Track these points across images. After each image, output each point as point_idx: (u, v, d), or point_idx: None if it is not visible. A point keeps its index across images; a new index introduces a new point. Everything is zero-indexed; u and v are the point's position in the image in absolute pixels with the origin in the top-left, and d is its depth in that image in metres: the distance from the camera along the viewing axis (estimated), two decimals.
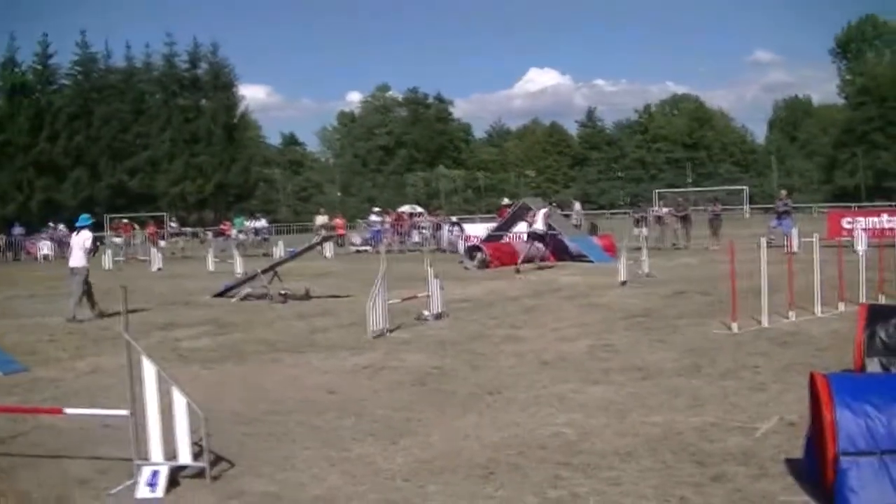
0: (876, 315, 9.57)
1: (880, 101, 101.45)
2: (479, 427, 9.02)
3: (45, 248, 53.62)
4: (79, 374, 13.12)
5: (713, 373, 11.26)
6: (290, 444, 8.64)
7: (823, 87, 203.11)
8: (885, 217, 35.57)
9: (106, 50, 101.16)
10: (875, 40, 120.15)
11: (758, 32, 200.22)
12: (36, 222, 65.86)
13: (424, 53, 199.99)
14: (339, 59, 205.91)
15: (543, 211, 31.48)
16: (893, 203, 65.23)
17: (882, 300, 16.62)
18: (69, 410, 8.85)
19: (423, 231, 47.01)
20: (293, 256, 25.05)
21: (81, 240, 20.67)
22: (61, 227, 58.09)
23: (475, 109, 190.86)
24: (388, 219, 51.06)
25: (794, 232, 31.40)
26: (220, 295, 23.16)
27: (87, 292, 20.36)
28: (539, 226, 30.24)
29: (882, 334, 9.30)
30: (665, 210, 43.58)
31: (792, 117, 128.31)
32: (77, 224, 21.61)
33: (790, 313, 15.41)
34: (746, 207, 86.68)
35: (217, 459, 7.88)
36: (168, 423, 7.42)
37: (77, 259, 20.46)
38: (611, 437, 8.42)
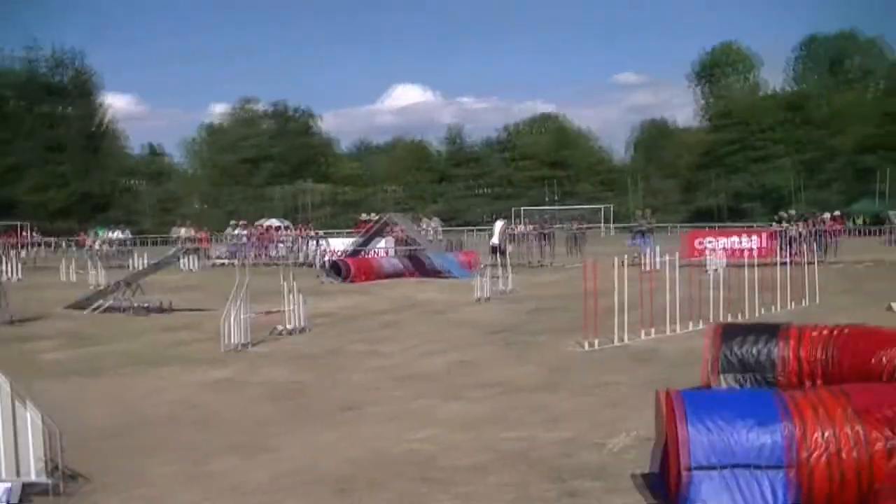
0: (728, 333, 9.79)
1: (739, 126, 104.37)
2: (337, 442, 9.02)
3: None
4: None
5: (572, 389, 11.41)
6: (148, 459, 8.53)
7: (684, 110, 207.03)
8: (744, 237, 36.45)
9: None
10: (736, 65, 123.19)
11: (622, 54, 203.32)
12: None
13: (291, 66, 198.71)
14: (206, 69, 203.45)
15: (500, 224, 32.15)
16: (753, 224, 66.75)
17: (736, 318, 17.03)
18: None
19: (286, 244, 46.77)
20: (154, 268, 24.74)
21: None
22: None
23: (342, 124, 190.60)
24: (250, 232, 50.68)
25: (656, 250, 31.95)
26: (77, 307, 22.73)
27: None
28: (495, 240, 30.87)
29: (734, 351, 9.52)
30: (528, 227, 44.00)
31: (653, 139, 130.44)
32: None
33: (649, 330, 15.68)
34: (608, 226, 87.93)
35: (73, 475, 7.72)
36: (23, 438, 7.26)
37: None
38: (469, 452, 8.47)
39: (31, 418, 7.22)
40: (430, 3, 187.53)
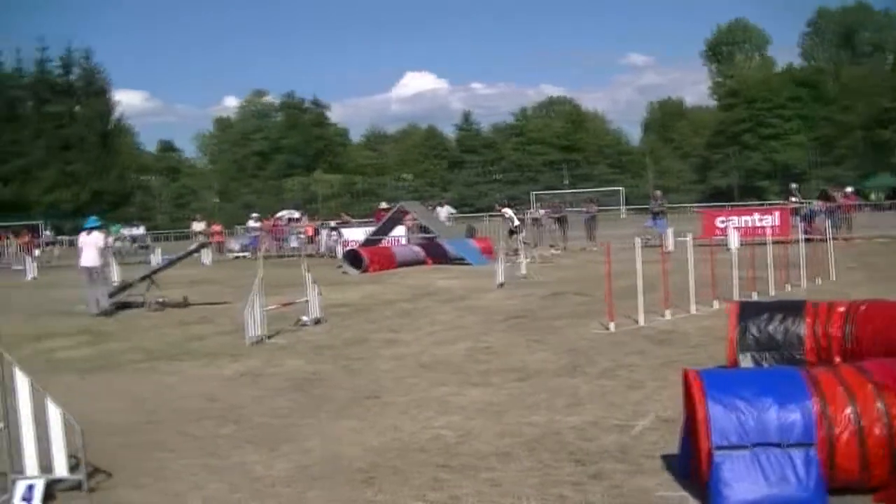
0: (748, 312, 9.75)
1: (749, 103, 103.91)
2: (358, 432, 9.00)
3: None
4: None
5: (591, 372, 11.38)
6: (169, 454, 8.53)
7: (696, 88, 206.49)
8: (756, 216, 36.24)
9: None
10: (744, 44, 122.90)
11: (631, 35, 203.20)
12: None
13: (301, 58, 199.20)
14: (216, 63, 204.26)
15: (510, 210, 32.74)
16: (764, 202, 66.46)
17: (754, 297, 16.96)
18: None
19: (301, 236, 46.77)
20: (170, 264, 24.74)
21: (92, 240, 22.43)
22: None
23: (352, 114, 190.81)
24: (265, 224, 50.72)
25: (669, 231, 31.90)
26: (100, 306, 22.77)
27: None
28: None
29: (753, 330, 9.49)
30: (542, 212, 43.88)
31: (665, 119, 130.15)
32: (87, 226, 23.28)
33: (666, 312, 15.63)
34: (623, 208, 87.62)
35: (94, 471, 7.74)
36: (43, 435, 7.27)
37: (91, 258, 22.07)
38: (490, 439, 8.45)
39: (53, 415, 7.22)
40: None
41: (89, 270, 22.26)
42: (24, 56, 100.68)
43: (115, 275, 30.36)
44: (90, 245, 22.50)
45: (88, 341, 16.88)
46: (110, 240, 24.47)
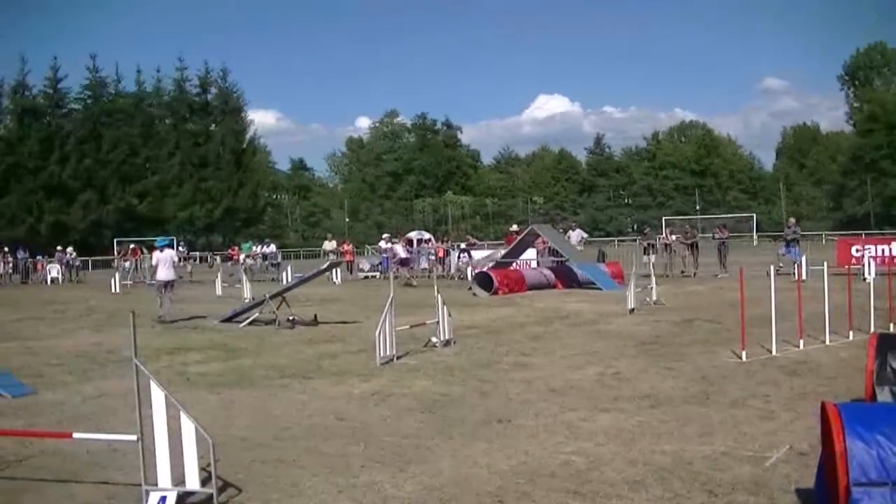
0: (887, 344, 9.53)
1: (888, 129, 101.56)
2: (487, 454, 8.99)
3: (53, 270, 53.73)
4: (85, 398, 13.09)
5: (722, 401, 11.22)
6: (298, 471, 8.61)
7: (831, 114, 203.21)
8: (894, 245, 35.43)
9: (116, 74, 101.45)
10: (883, 68, 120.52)
11: (766, 59, 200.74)
12: (45, 245, 65.87)
13: (434, 79, 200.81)
14: (349, 84, 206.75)
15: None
16: None
17: (893, 329, 16.60)
18: (77, 435, 8.79)
19: (431, 257, 46.99)
20: (301, 282, 25.02)
21: (167, 256, 25.20)
22: (69, 250, 58.39)
23: (484, 135, 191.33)
24: (398, 244, 51.09)
25: (803, 259, 31.40)
26: (228, 320, 23.13)
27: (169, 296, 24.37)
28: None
29: (893, 363, 9.26)
30: (673, 237, 43.46)
31: (800, 144, 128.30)
32: (159, 244, 25.80)
33: (799, 342, 15.36)
34: (755, 235, 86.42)
35: (225, 485, 7.87)
36: (176, 448, 7.39)
37: (167, 273, 24.90)
38: (620, 466, 8.38)
39: (186, 429, 7.34)
40: (571, 16, 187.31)
41: (164, 284, 24.81)
42: (162, 76, 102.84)
43: (247, 292, 30.86)
44: (165, 261, 25.07)
45: (220, 357, 17.13)
46: (172, 254, 25.74)
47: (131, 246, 58.62)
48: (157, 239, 27.81)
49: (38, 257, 58.62)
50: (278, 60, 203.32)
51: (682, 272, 38.17)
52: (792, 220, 41.24)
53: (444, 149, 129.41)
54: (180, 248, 67.85)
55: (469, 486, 7.95)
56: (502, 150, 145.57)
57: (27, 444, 9.72)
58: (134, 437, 7.51)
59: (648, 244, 42.08)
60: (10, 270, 56.02)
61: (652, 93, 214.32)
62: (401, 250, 41.45)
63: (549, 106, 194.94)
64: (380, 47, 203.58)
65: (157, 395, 7.42)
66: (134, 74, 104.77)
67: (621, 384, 12.76)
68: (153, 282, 28.22)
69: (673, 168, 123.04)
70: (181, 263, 56.02)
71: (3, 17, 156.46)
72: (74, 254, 59.77)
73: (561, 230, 44.75)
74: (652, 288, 25.12)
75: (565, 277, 32.56)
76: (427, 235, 62.69)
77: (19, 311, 30.27)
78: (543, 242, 36.69)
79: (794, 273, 24.86)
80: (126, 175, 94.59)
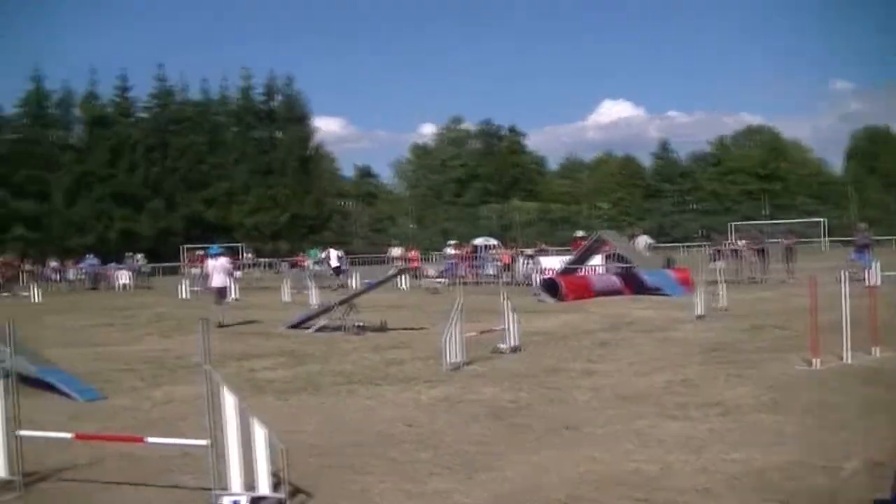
0: None
1: None
2: (556, 462, 8.96)
3: (122, 277, 54.33)
4: (155, 403, 13.24)
5: (794, 410, 11.08)
6: (367, 477, 8.63)
7: None
8: None
9: (182, 83, 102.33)
10: None
11: (835, 61, 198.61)
12: (114, 252, 66.60)
13: (498, 85, 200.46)
14: (413, 91, 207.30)
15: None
16: None
17: None
18: (151, 439, 8.89)
19: (497, 263, 46.96)
20: (369, 288, 25.10)
21: (221, 264, 26.33)
22: (139, 256, 59.08)
23: (548, 141, 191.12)
24: (460, 251, 51.13)
25: (875, 265, 31.01)
26: (296, 326, 23.24)
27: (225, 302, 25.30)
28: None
29: None
30: (741, 243, 43.09)
31: (870, 147, 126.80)
32: (213, 252, 27.25)
33: (873, 349, 15.15)
34: (824, 241, 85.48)
35: (295, 491, 7.91)
36: (246, 453, 7.45)
37: (220, 280, 26.07)
38: (690, 474, 8.32)
39: (258, 434, 7.37)
40: (635, 20, 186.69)
41: (218, 290, 26.13)
42: (229, 84, 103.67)
43: (314, 298, 31.00)
44: (218, 269, 26.25)
45: (288, 363, 17.22)
46: (225, 261, 26.24)
47: (198, 253, 59.10)
48: (210, 247, 28.48)
49: (108, 264, 59.22)
50: (343, 68, 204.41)
51: (750, 278, 37.84)
52: (862, 224, 40.82)
53: (509, 155, 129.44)
54: (247, 255, 68.35)
55: (538, 493, 7.93)
56: (567, 155, 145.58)
57: (100, 447, 9.82)
58: (205, 442, 7.57)
59: (716, 250, 41.82)
60: (82, 277, 56.83)
61: (717, 97, 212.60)
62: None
63: (614, 111, 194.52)
64: (444, 53, 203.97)
65: (229, 401, 7.48)
66: (200, 83, 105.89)
67: (689, 391, 12.67)
68: (207, 289, 28.93)
69: (739, 173, 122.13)
70: (249, 270, 56.57)
71: (74, 27, 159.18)
72: (145, 260, 60.53)
73: (627, 236, 44.54)
74: (720, 294, 24.93)
75: (632, 283, 32.39)
76: (493, 241, 62.57)
77: (90, 318, 30.63)
78: (611, 248, 36.52)
79: (865, 279, 24.61)
80: (193, 182, 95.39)
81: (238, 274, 50.34)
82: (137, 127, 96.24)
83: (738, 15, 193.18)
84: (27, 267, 59.77)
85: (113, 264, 59.12)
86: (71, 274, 58.97)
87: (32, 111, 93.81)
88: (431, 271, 49.18)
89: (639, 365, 15.40)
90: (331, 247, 53.04)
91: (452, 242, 55.95)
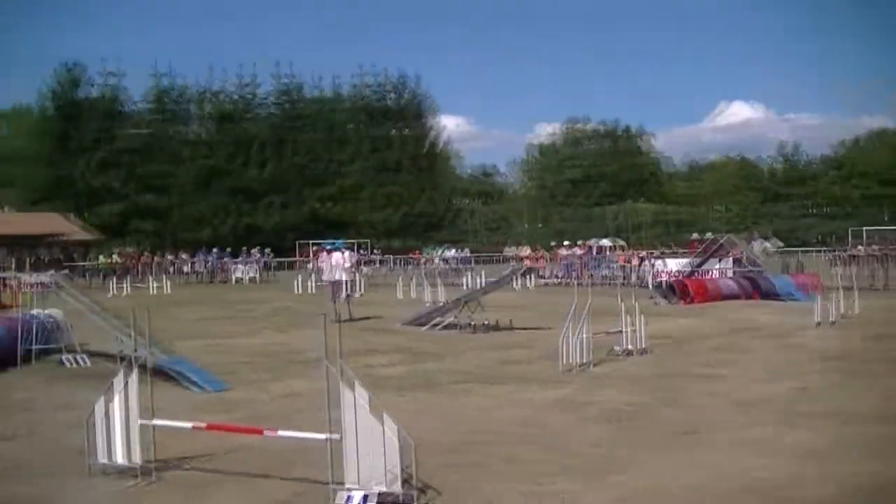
0: None
1: None
2: (676, 467, 8.94)
3: (241, 271, 55.02)
4: (274, 396, 13.48)
5: None
6: (490, 476, 8.69)
7: None
8: None
9: (304, 80, 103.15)
10: None
11: None
12: (234, 246, 67.45)
13: (618, 85, 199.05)
14: (533, 90, 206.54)
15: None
16: None
17: None
18: (268, 432, 9.06)
19: (614, 265, 46.75)
20: (487, 287, 25.13)
21: (337, 258, 26.55)
22: (261, 251, 59.93)
23: (669, 142, 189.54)
24: (579, 251, 50.98)
25: None
26: (413, 323, 23.37)
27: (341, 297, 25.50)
28: None
29: None
30: (862, 249, 42.42)
31: None
32: (334, 246, 27.80)
33: None
34: None
35: (418, 488, 7.96)
36: (364, 448, 7.56)
37: (337, 274, 26.22)
38: (814, 485, 8.23)
39: (388, 430, 7.46)
40: (758, 22, 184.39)
41: (336, 284, 26.21)
42: (350, 81, 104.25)
43: (430, 296, 31.16)
44: (335, 263, 26.50)
45: (405, 360, 17.40)
46: (342, 256, 26.48)
47: (316, 248, 59.63)
48: (328, 242, 28.91)
49: (228, 258, 60.00)
50: (463, 66, 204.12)
51: (871, 285, 37.14)
52: None
53: (628, 155, 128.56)
54: (361, 252, 68.81)
55: (658, 498, 7.94)
56: (686, 157, 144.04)
57: (225, 437, 10.00)
58: (326, 437, 7.68)
59: (837, 256, 41.19)
60: (206, 269, 57.73)
61: (839, 100, 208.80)
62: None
63: (735, 113, 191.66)
64: (564, 53, 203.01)
65: (349, 397, 7.57)
66: (321, 80, 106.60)
67: (812, 400, 12.52)
68: (324, 282, 29.29)
69: (863, 177, 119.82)
70: (368, 266, 56.95)
71: (198, 25, 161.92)
72: (271, 254, 61.32)
73: (750, 240, 44.08)
74: (848, 301, 24.54)
75: (754, 288, 32.01)
76: (609, 243, 62.32)
77: (210, 310, 31.19)
78: (734, 252, 36.14)
79: None
80: (313, 179, 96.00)
81: (365, 269, 50.91)
82: (259, 123, 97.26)
83: (859, 17, 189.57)
84: (148, 259, 60.92)
85: (229, 258, 59.82)
86: (191, 267, 59.93)
87: (158, 107, 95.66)
88: (548, 271, 49.08)
89: (759, 371, 15.26)
90: (449, 244, 53.24)
91: (567, 243, 55.74)
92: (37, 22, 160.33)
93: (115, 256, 59.80)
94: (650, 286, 36.37)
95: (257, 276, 54.49)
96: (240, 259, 58.65)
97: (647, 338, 18.19)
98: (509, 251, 54.76)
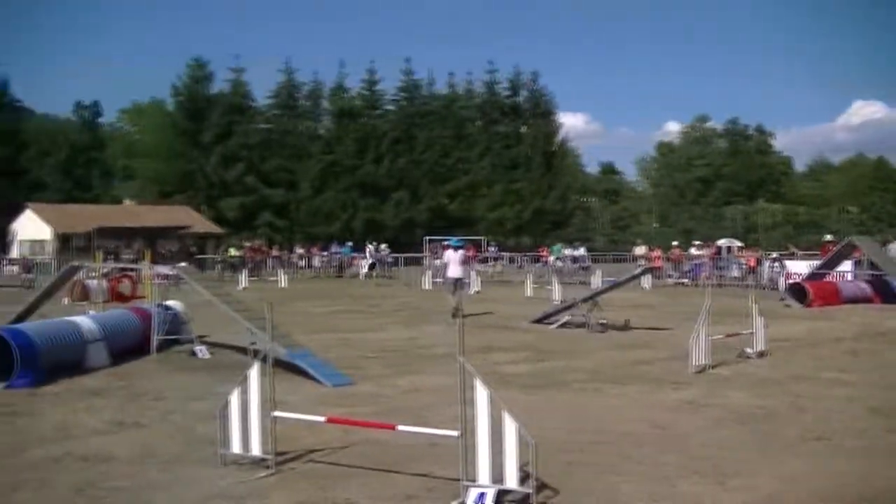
0: None
1: None
2: (807, 473, 8.79)
3: (366, 266, 55.39)
4: (400, 391, 13.56)
5: None
6: (614, 476, 8.65)
7: None
8: None
9: (429, 77, 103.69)
10: None
11: None
12: (358, 241, 68.10)
13: (745, 84, 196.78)
14: (658, 88, 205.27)
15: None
16: None
17: None
18: (401, 427, 9.10)
19: (742, 265, 46.21)
20: (613, 286, 25.00)
21: (458, 256, 26.63)
22: (383, 246, 60.36)
23: (796, 142, 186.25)
24: (706, 252, 50.50)
25: None
26: (539, 321, 23.35)
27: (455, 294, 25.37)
28: None
29: None
30: None
31: None
32: (453, 244, 27.80)
33: None
34: None
35: (542, 486, 7.98)
36: (494, 446, 7.56)
37: (457, 271, 26.15)
38: None
39: (509, 428, 7.48)
40: (889, 19, 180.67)
41: (454, 281, 26.00)
42: (474, 78, 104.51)
43: (556, 294, 31.13)
44: (455, 260, 26.46)
45: (530, 357, 17.36)
46: (461, 253, 26.71)
47: (440, 244, 59.91)
48: (450, 239, 29.52)
49: (354, 253, 60.44)
50: (588, 64, 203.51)
51: None
52: None
53: (756, 155, 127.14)
54: (489, 249, 68.90)
55: None
56: (815, 156, 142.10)
57: (352, 432, 10.09)
58: (455, 433, 7.72)
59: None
60: (332, 264, 58.30)
61: None
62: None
63: (866, 112, 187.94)
64: (690, 51, 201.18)
65: (482, 394, 7.60)
66: (446, 77, 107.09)
67: None
68: (443, 279, 29.51)
69: None
70: (492, 264, 57.05)
71: (325, 21, 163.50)
72: (388, 250, 61.65)
73: (879, 242, 43.13)
74: None
75: (883, 292, 31.38)
76: (738, 243, 61.59)
77: (336, 304, 31.51)
78: (861, 254, 35.45)
79: None
80: (437, 175, 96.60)
81: (483, 267, 50.96)
82: (384, 119, 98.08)
83: None
84: (274, 253, 61.77)
85: (354, 253, 60.28)
86: (316, 261, 60.58)
87: (283, 102, 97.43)
88: (672, 271, 48.72)
89: (890, 377, 14.93)
90: (578, 243, 53.12)
91: (697, 243, 55.26)
92: (171, 15, 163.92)
93: (242, 249, 60.58)
94: (779, 288, 35.89)
95: (373, 271, 54.71)
96: (367, 254, 59.00)
97: (775, 340, 17.97)
98: (638, 251, 54.34)
